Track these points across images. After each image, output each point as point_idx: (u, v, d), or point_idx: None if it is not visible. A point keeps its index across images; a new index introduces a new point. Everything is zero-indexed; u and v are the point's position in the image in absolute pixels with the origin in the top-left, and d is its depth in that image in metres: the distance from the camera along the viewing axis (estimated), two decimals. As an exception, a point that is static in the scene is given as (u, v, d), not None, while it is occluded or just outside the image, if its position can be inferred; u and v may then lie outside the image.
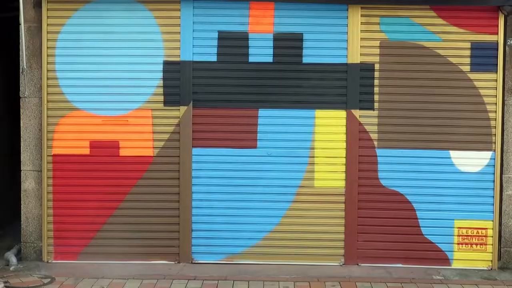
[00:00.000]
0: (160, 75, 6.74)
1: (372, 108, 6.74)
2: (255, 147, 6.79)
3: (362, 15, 6.68)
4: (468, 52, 6.71)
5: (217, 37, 6.73)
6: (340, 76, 6.71)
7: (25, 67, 6.72)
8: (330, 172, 6.78)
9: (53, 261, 6.81)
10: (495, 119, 6.72)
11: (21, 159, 6.82)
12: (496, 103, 6.71)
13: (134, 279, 6.25)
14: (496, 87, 6.70)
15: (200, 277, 6.36)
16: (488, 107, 6.72)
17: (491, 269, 6.76)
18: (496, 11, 6.65)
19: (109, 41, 6.72)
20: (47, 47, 6.72)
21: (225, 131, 6.78)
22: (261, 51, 6.72)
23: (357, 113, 6.70)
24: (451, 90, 6.72)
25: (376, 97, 6.74)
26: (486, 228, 6.77)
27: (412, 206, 6.75)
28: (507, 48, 6.66)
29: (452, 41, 6.71)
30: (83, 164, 6.77)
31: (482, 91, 6.72)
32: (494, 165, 6.72)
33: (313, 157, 6.77)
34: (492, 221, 6.76)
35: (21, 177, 6.83)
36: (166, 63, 6.73)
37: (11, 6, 7.08)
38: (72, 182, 6.78)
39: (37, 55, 6.74)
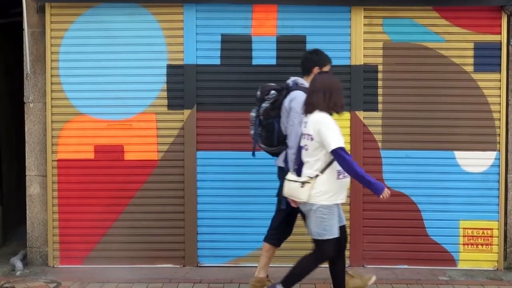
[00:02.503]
0: (164, 79, 6.75)
1: (376, 110, 6.75)
2: (259, 149, 6.77)
3: (365, 17, 6.69)
4: (471, 53, 6.71)
5: (220, 40, 6.74)
6: (344, 77, 6.68)
7: (29, 72, 6.74)
8: (335, 174, 6.77)
9: (59, 266, 6.82)
10: (499, 119, 6.72)
11: (26, 164, 6.83)
12: (500, 103, 6.71)
13: (140, 283, 6.26)
14: (500, 87, 6.70)
15: (206, 280, 6.37)
16: (492, 107, 6.72)
17: (497, 269, 6.76)
18: (499, 11, 6.66)
19: (112, 45, 6.74)
20: (51, 52, 6.73)
21: (230, 134, 6.79)
22: (264, 54, 6.73)
23: (361, 114, 6.71)
24: (455, 90, 6.73)
25: (380, 99, 6.75)
26: (492, 229, 6.77)
27: (417, 207, 6.76)
28: (510, 48, 6.66)
29: (455, 41, 6.71)
30: (88, 168, 6.79)
31: (485, 91, 6.72)
32: (499, 165, 6.72)
33: (318, 159, 6.76)
34: (498, 221, 6.76)
35: (26, 182, 6.85)
36: (169, 67, 6.74)
37: (15, 11, 7.09)
38: (77, 187, 6.79)
39: (41, 60, 6.76)
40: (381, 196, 5.18)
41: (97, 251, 6.81)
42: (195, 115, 6.74)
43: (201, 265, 6.82)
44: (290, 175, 5.36)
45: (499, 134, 6.73)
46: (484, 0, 6.62)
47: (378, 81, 6.74)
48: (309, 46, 6.70)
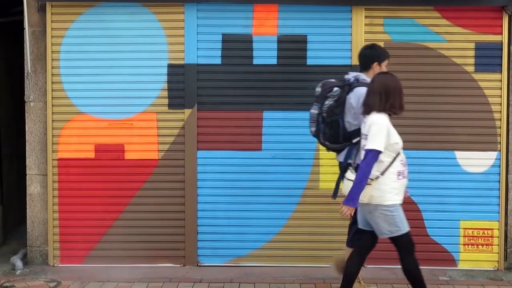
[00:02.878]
0: (165, 78, 6.75)
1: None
2: (260, 149, 6.79)
3: (366, 17, 6.68)
4: (472, 53, 6.71)
5: (221, 39, 6.74)
6: (345, 77, 6.71)
7: (29, 71, 6.74)
8: (335, 174, 6.66)
9: (59, 265, 6.82)
10: (500, 119, 6.72)
11: (27, 163, 6.83)
12: (501, 103, 6.71)
13: (140, 282, 6.26)
14: (501, 87, 6.70)
15: (206, 279, 6.36)
16: (493, 107, 6.72)
17: (497, 269, 6.75)
18: (500, 11, 6.65)
19: (113, 44, 6.74)
20: (52, 51, 6.73)
21: (230, 134, 6.79)
22: (265, 53, 6.72)
23: (361, 114, 6.70)
24: (456, 90, 6.72)
25: (380, 98, 6.74)
26: (492, 229, 6.77)
27: (417, 207, 6.75)
28: (511, 48, 6.66)
29: (456, 41, 6.71)
30: (88, 167, 6.78)
31: (486, 91, 6.72)
32: (499, 165, 6.71)
33: (318, 159, 6.77)
34: (498, 221, 6.76)
35: (27, 181, 6.84)
36: (170, 66, 6.74)
37: (16, 10, 7.09)
38: (77, 186, 6.79)
39: (42, 59, 6.75)
40: (342, 208, 5.06)
41: (97, 250, 6.81)
42: (196, 114, 6.74)
43: (201, 264, 6.82)
44: (350, 174, 5.27)
45: (500, 134, 6.73)
46: (485, 1, 6.61)
47: (379, 81, 6.73)
48: (310, 46, 6.72)
